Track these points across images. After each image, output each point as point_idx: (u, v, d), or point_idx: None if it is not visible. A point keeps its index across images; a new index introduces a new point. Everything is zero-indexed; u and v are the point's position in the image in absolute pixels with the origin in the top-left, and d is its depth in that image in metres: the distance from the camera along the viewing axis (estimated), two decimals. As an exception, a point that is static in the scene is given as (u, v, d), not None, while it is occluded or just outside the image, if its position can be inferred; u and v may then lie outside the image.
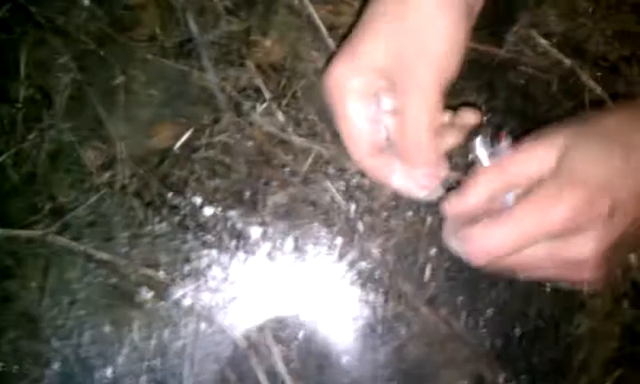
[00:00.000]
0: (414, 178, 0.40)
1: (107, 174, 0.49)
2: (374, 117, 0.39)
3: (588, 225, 0.35)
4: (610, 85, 0.51)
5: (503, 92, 0.51)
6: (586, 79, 0.51)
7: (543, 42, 0.52)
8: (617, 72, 0.51)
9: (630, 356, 0.49)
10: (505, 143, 0.39)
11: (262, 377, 0.47)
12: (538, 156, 0.38)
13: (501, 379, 0.48)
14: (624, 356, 0.49)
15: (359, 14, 0.41)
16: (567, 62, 0.51)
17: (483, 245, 0.36)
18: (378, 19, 0.38)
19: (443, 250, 0.48)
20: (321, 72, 0.43)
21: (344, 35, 0.48)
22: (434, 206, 0.46)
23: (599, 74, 0.51)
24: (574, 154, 0.36)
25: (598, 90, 0.51)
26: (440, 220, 0.49)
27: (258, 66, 0.50)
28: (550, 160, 0.37)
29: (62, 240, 0.48)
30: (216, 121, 0.49)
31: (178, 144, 0.49)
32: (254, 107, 0.50)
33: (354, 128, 0.38)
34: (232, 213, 0.49)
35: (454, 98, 0.50)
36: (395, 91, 0.38)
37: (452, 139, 0.41)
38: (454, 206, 0.40)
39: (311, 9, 0.51)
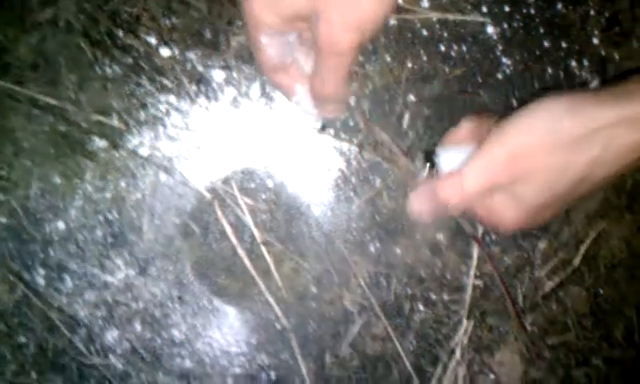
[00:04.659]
0: (309, 103, 0.42)
1: (50, 11, 0.43)
2: (282, 46, 0.40)
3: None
4: None
5: None
6: None
7: None
8: None
9: (615, 209, 0.46)
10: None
11: (228, 229, 0.44)
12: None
13: (479, 232, 0.46)
14: (609, 209, 0.46)
15: None
16: None
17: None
18: None
19: (423, 97, 0.45)
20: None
21: None
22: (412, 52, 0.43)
23: None
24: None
25: None
26: (419, 67, 0.45)
27: None
28: None
29: (2, 83, 0.43)
30: (171, -49, 0.44)
31: (129, -24, 0.44)
32: None
33: (262, 53, 0.39)
34: (191, 55, 0.44)
35: None
36: (308, 27, 0.38)
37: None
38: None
39: None
